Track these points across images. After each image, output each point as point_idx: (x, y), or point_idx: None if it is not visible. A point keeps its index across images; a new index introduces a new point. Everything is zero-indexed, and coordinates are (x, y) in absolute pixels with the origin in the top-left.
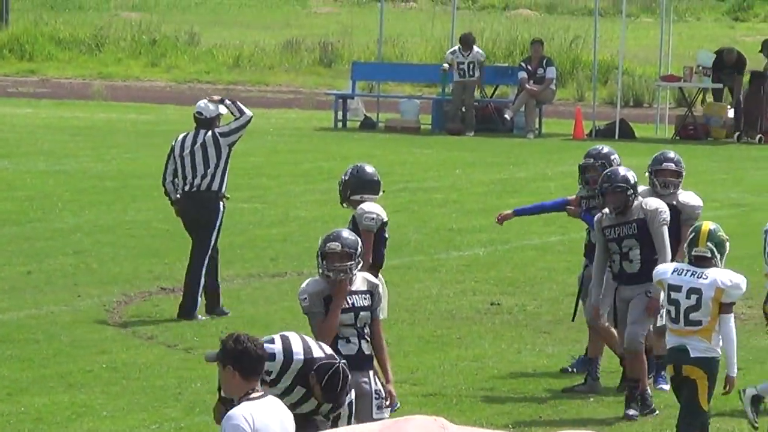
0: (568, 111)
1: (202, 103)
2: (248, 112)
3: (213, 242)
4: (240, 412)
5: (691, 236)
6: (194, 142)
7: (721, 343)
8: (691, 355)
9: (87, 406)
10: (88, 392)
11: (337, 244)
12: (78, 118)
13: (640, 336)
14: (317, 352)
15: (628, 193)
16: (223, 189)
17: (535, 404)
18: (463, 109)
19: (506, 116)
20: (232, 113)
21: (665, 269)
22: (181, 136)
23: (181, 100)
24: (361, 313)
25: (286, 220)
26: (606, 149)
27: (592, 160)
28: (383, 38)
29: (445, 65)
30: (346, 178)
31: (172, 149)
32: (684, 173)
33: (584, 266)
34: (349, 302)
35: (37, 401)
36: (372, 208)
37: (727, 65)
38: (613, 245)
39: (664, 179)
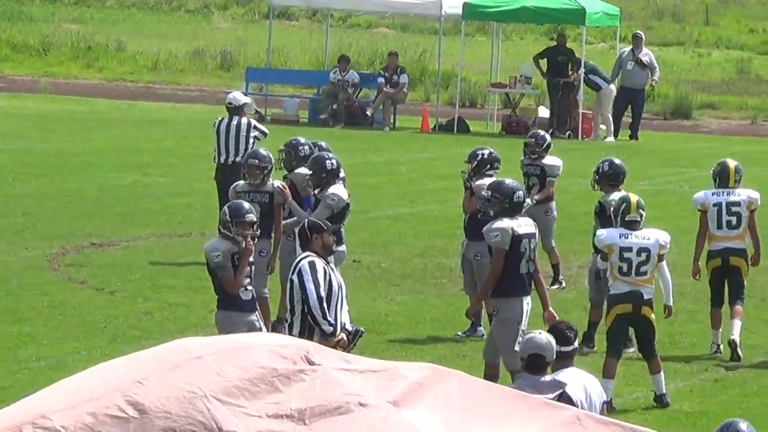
0: (417, 109)
1: (231, 95)
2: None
3: None
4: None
5: (623, 206)
6: (229, 126)
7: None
8: (645, 298)
9: (31, 336)
10: (32, 325)
11: (252, 215)
12: (27, 108)
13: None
14: None
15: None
16: None
17: (386, 343)
18: (335, 107)
19: (368, 113)
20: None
21: (611, 235)
22: (219, 119)
23: (110, 95)
24: (252, 265)
25: (191, 192)
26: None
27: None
28: (271, 48)
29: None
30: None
31: (217, 129)
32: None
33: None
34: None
35: None
36: (336, 190)
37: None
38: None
39: (529, 149)
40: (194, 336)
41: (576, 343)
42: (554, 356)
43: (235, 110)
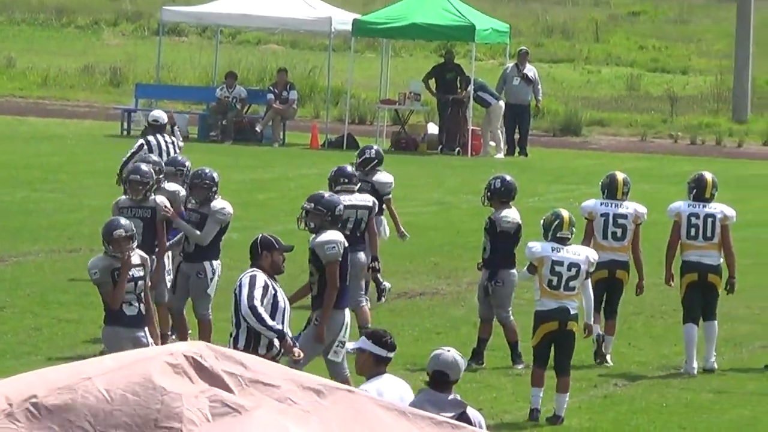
0: (306, 126)
1: (155, 113)
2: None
3: None
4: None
5: (555, 222)
6: (159, 144)
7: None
8: (571, 313)
9: None
10: None
11: (121, 231)
12: None
13: None
14: None
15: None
16: None
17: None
18: (224, 123)
19: (257, 129)
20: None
21: (545, 248)
22: (144, 139)
23: (0, 110)
24: (139, 282)
25: (81, 208)
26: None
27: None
28: (161, 65)
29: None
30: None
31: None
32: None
33: None
34: (130, 274)
35: None
36: (222, 204)
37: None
38: None
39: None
40: (83, 351)
41: (392, 353)
42: (459, 376)
43: (161, 128)
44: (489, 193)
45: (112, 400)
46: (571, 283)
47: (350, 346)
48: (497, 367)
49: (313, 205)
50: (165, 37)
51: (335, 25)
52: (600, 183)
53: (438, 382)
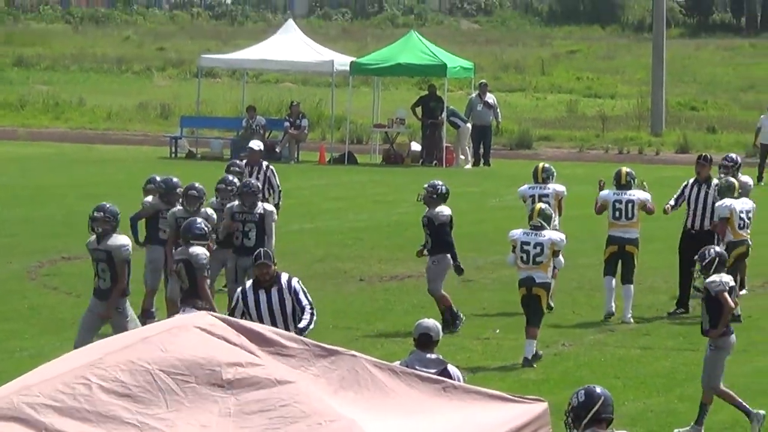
0: (315, 146)
1: (254, 143)
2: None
3: None
4: None
5: (530, 213)
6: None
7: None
8: (537, 281)
9: (15, 332)
10: (15, 323)
11: (100, 213)
12: (9, 152)
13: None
14: None
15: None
16: None
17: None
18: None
19: (277, 150)
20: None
21: (517, 233)
22: (244, 163)
23: (74, 140)
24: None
25: None
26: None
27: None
28: (200, 100)
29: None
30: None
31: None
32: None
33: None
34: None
35: None
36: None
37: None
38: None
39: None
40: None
41: None
42: (440, 337)
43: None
44: (431, 196)
45: (165, 350)
46: (538, 259)
47: None
48: (469, 334)
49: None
50: (203, 78)
51: (337, 66)
52: (532, 171)
53: (423, 343)
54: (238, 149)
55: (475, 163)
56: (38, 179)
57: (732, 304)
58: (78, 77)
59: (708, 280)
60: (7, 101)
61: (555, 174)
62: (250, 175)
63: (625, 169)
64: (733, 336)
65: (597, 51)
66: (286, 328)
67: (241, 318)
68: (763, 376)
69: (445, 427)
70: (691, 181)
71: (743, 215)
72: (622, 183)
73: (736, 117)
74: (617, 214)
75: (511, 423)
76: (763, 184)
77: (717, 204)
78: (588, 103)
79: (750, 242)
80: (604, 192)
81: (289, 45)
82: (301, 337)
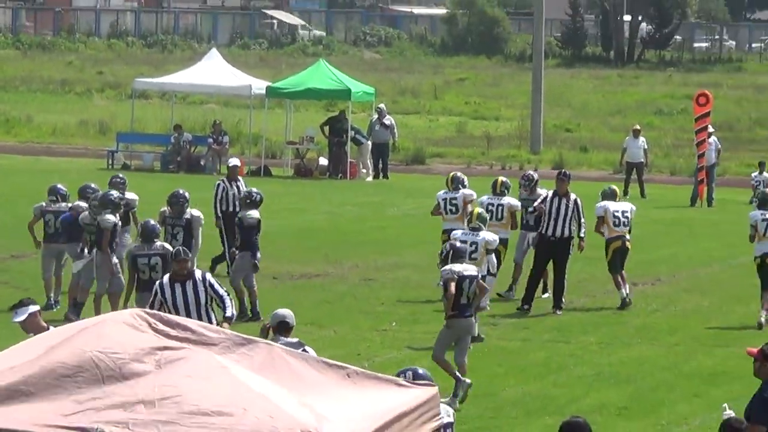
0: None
1: (232, 160)
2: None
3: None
4: None
5: (469, 216)
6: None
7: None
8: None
9: None
10: None
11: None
12: None
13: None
14: None
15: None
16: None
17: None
18: (179, 159)
19: (202, 163)
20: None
21: (457, 233)
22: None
23: (22, 153)
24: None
25: None
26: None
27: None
28: (134, 119)
29: None
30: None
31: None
32: None
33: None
34: None
35: None
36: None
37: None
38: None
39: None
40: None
41: None
42: (294, 323)
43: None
44: (248, 201)
45: (101, 336)
46: (473, 256)
47: None
48: (369, 326)
49: None
50: (137, 99)
51: (254, 90)
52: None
53: (283, 329)
54: (166, 162)
55: (375, 177)
56: None
57: (453, 291)
58: (26, 97)
59: (443, 268)
60: None
61: (511, 187)
62: (231, 188)
63: (501, 179)
64: (466, 320)
65: (483, 79)
66: (200, 318)
67: (160, 309)
68: (623, 366)
69: (350, 407)
70: (551, 193)
71: (618, 214)
72: (497, 191)
73: (605, 138)
74: (491, 216)
75: (405, 405)
76: (628, 197)
77: (596, 205)
78: (475, 124)
79: (627, 238)
80: (483, 197)
81: (213, 71)
82: (222, 329)
